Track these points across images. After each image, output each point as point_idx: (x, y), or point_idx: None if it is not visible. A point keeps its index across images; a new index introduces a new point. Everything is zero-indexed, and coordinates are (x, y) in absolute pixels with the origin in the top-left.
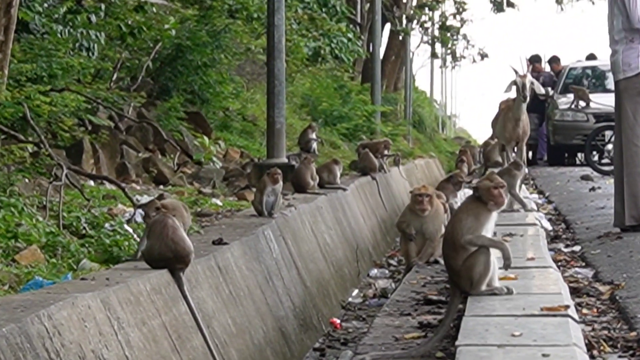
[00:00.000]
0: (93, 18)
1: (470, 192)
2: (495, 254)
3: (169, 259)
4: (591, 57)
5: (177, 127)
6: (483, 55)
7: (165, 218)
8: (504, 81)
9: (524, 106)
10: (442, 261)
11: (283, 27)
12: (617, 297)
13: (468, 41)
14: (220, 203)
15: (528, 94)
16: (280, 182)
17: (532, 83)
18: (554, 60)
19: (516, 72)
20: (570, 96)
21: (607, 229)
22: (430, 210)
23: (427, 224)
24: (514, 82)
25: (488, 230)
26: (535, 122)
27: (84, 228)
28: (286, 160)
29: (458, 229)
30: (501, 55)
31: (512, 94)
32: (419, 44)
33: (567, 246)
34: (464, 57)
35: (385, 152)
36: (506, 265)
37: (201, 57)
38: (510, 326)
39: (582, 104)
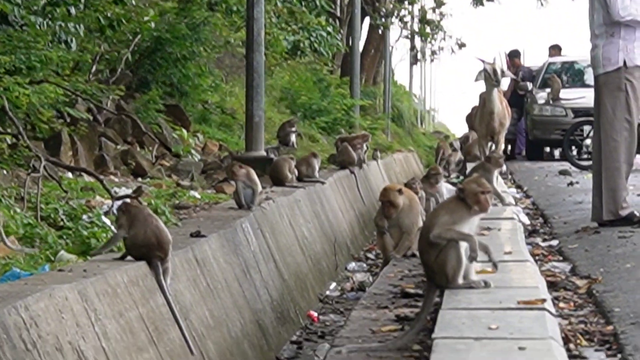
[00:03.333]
0: (72, 10)
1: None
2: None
3: (152, 244)
4: (555, 48)
5: (155, 119)
6: (461, 45)
7: (144, 208)
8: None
9: (496, 95)
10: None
11: (262, 20)
12: (594, 291)
13: (445, 32)
14: (198, 196)
15: (500, 77)
16: (242, 174)
17: (502, 70)
18: (553, 48)
19: (483, 61)
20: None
21: (585, 223)
22: (397, 210)
23: (402, 217)
24: (484, 70)
25: (466, 232)
26: (514, 117)
27: (62, 220)
28: (265, 154)
29: (432, 225)
30: (481, 49)
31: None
32: (398, 38)
33: (544, 240)
34: (442, 49)
35: (364, 145)
36: (471, 258)
37: (180, 50)
38: (487, 319)
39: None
